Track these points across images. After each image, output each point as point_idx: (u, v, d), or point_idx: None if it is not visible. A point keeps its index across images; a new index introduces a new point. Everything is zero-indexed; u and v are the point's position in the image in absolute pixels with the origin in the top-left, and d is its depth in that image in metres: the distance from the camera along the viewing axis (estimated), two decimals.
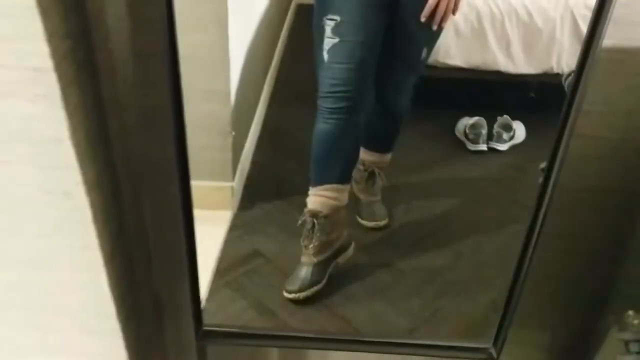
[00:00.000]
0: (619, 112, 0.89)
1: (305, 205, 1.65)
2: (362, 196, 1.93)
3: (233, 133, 1.88)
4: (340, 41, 1.44)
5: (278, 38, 2.99)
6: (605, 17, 0.77)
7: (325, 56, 1.46)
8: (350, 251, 1.74)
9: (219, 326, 1.13)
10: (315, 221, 1.61)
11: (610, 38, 0.79)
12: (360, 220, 1.91)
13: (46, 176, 0.80)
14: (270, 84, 2.68)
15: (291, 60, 2.94)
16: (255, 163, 2.21)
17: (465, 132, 2.39)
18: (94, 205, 0.84)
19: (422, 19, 1.45)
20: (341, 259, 1.72)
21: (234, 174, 1.95)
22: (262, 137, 2.35)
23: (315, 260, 1.65)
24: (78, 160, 0.77)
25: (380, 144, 1.87)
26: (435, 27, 1.48)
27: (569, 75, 1.04)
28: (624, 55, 0.82)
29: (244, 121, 2.14)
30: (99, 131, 0.82)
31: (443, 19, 1.47)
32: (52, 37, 0.67)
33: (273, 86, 2.70)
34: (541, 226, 0.95)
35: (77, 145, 0.76)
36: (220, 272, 1.72)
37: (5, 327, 1.00)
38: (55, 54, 0.69)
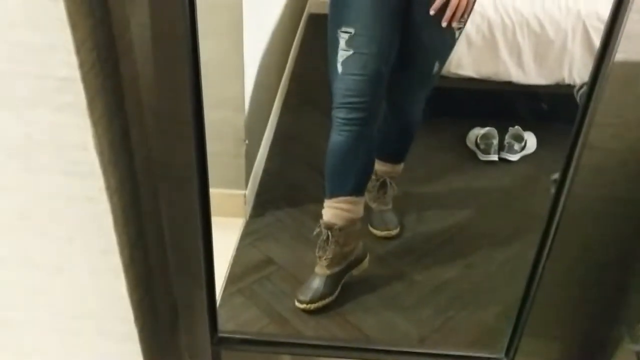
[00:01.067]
0: (630, 124, 0.90)
1: (317, 214, 1.66)
2: (373, 205, 1.95)
3: (246, 141, 1.90)
4: (354, 53, 1.45)
5: (290, 46, 3.02)
6: (617, 32, 0.78)
7: (340, 68, 1.47)
8: (366, 263, 1.74)
9: (234, 333, 1.15)
10: (330, 233, 1.61)
11: (623, 52, 0.80)
12: (371, 229, 1.92)
13: (70, 182, 0.82)
14: (282, 92, 2.71)
15: (303, 68, 2.97)
16: (267, 171, 2.23)
17: (476, 142, 2.41)
18: (115, 211, 0.86)
19: (432, 12, 1.44)
20: (356, 271, 1.72)
21: (246, 181, 1.98)
22: (274, 145, 2.37)
23: (328, 272, 1.66)
24: (101, 167, 0.79)
25: (392, 154, 1.88)
26: (444, 24, 1.46)
27: (581, 87, 1.05)
28: (636, 69, 0.84)
29: (257, 129, 2.17)
30: (122, 138, 0.85)
31: (454, 16, 1.45)
32: (80, 48, 0.70)
33: (285, 94, 2.73)
34: (554, 236, 0.96)
35: (101, 153, 0.78)
36: (233, 279, 1.74)
37: (25, 329, 1.02)
38: (83, 64, 0.71)
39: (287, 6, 2.73)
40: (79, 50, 0.69)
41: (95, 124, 0.75)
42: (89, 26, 0.71)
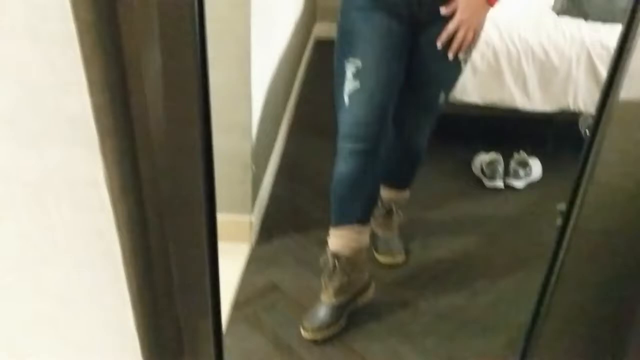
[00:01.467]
0: (635, 161, 0.90)
1: (323, 240, 1.67)
2: (379, 231, 1.95)
3: (254, 168, 1.91)
4: (361, 85, 1.46)
5: (297, 71, 3.05)
6: (621, 72, 0.79)
7: (347, 99, 1.48)
8: (370, 293, 1.73)
9: None
10: (337, 262, 1.61)
11: (627, 91, 0.81)
12: (377, 255, 1.92)
13: (80, 216, 0.83)
14: (289, 118, 2.73)
15: (309, 93, 3.00)
16: (273, 196, 2.24)
17: (481, 168, 2.41)
18: (123, 244, 0.87)
19: (439, 45, 1.47)
20: (361, 300, 1.72)
21: (252, 206, 1.98)
22: (280, 170, 2.38)
23: (335, 301, 1.65)
24: (111, 202, 0.80)
25: (398, 181, 1.88)
26: (451, 56, 1.48)
27: (585, 119, 1.06)
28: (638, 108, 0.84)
29: (264, 155, 2.18)
30: (131, 173, 0.86)
31: (460, 48, 1.48)
32: (93, 87, 0.71)
33: (292, 119, 2.75)
34: (560, 270, 0.97)
35: (111, 188, 0.80)
36: (238, 305, 1.74)
37: (32, 358, 1.03)
38: (95, 103, 0.72)
39: (294, 33, 2.76)
40: (92, 89, 0.71)
41: (106, 160, 0.76)
42: (102, 65, 0.73)
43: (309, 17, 3.42)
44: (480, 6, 1.45)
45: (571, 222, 0.95)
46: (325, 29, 3.56)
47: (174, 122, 0.93)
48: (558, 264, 0.97)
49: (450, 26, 1.44)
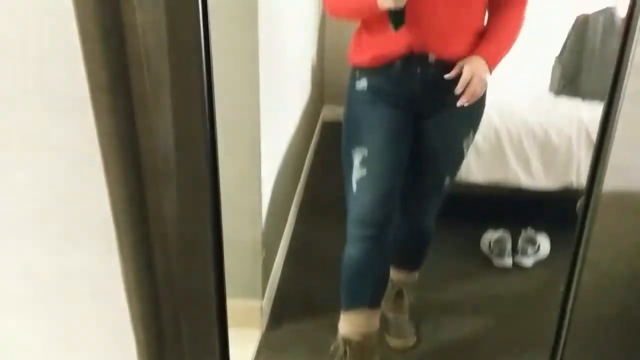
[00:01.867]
0: (628, 246, 0.94)
1: (334, 324, 1.68)
2: (390, 314, 1.96)
3: (264, 254, 1.95)
4: (368, 173, 1.52)
5: (305, 156, 3.14)
6: (603, 166, 0.85)
7: (355, 186, 1.54)
8: None
9: None
10: (348, 347, 1.61)
11: (611, 184, 0.86)
12: (388, 338, 1.92)
13: (98, 309, 0.88)
14: (298, 200, 2.79)
15: (317, 175, 3.07)
16: (283, 280, 2.26)
17: (490, 246, 2.44)
18: (138, 336, 0.91)
19: (457, 92, 1.46)
20: None
21: (263, 291, 2.00)
22: (290, 254, 2.42)
23: None
24: (127, 297, 0.85)
25: (407, 263, 1.91)
26: (459, 104, 1.48)
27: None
28: (626, 198, 0.89)
29: (274, 239, 2.22)
30: (147, 269, 0.91)
31: (472, 96, 1.48)
32: (113, 193, 0.78)
33: (301, 201, 2.81)
34: (561, 358, 0.98)
35: (128, 285, 0.85)
36: None
37: None
38: (114, 205, 0.79)
39: (302, 117, 2.87)
40: (112, 196, 0.77)
41: (124, 259, 0.82)
42: (121, 171, 0.80)
43: (317, 100, 3.54)
44: (483, 67, 1.47)
45: (568, 308, 0.97)
46: (332, 112, 3.69)
47: (186, 216, 0.99)
48: (559, 352, 0.99)
49: (465, 73, 1.44)
